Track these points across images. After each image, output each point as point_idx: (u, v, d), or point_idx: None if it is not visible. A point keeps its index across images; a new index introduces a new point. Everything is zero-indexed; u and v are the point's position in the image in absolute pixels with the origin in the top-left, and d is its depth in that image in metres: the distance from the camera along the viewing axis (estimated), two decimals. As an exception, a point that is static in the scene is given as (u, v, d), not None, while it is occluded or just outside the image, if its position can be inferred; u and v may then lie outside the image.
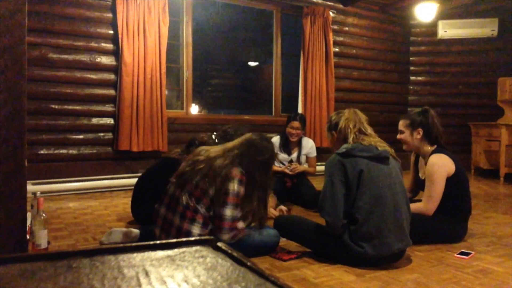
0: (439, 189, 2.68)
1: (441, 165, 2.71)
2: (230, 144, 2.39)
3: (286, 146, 4.08)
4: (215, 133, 3.44)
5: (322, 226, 2.41)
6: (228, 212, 2.19)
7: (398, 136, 2.95)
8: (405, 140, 2.91)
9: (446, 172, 2.70)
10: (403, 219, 2.26)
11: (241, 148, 2.32)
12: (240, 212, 2.27)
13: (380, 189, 2.22)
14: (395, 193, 2.26)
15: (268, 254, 2.42)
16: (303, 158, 4.11)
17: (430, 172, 2.73)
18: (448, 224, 2.70)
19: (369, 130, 2.44)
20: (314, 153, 4.16)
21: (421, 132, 2.84)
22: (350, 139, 2.35)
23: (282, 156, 4.06)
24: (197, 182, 2.21)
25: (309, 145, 4.15)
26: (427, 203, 2.70)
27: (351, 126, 2.41)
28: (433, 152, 2.80)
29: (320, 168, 5.87)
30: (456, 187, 2.73)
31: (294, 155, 4.09)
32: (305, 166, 4.08)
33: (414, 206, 2.61)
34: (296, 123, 3.99)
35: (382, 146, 2.35)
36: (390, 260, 2.26)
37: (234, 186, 2.19)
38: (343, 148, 2.32)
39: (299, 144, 4.11)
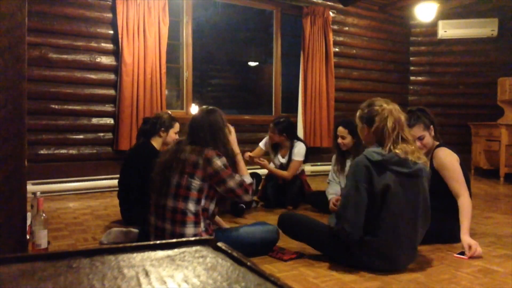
0: (459, 173, 2.67)
1: (450, 154, 2.73)
2: (189, 133, 2.38)
3: (275, 148, 4.05)
4: (167, 111, 3.65)
5: (322, 225, 2.41)
6: (232, 183, 2.25)
7: (419, 144, 2.73)
8: (427, 143, 2.80)
9: (456, 160, 2.72)
10: (418, 237, 2.20)
11: (204, 134, 2.31)
12: (237, 175, 2.32)
13: (402, 209, 2.11)
14: (417, 211, 2.15)
15: (269, 254, 2.42)
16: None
17: (443, 163, 2.69)
18: (447, 223, 2.70)
19: (408, 134, 2.22)
20: (297, 157, 3.89)
21: (433, 129, 2.85)
22: (387, 147, 2.12)
23: (274, 159, 4.05)
24: (177, 183, 2.21)
25: (301, 150, 3.93)
26: (462, 192, 2.62)
27: (389, 128, 2.14)
28: (438, 146, 2.81)
29: (319, 168, 5.92)
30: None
31: (284, 161, 3.96)
32: (276, 169, 3.95)
33: (465, 213, 2.55)
34: (270, 128, 3.95)
35: (417, 157, 2.14)
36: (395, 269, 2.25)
37: (218, 163, 2.22)
38: (376, 154, 2.11)
39: (291, 147, 3.94)
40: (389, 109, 2.18)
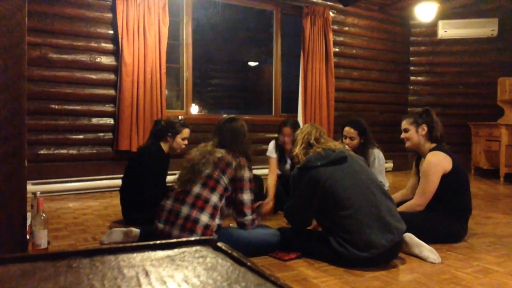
0: (432, 185, 2.72)
1: (436, 162, 2.74)
2: (217, 138, 2.55)
3: (281, 154, 3.71)
4: (180, 116, 3.61)
5: (315, 233, 2.54)
6: (246, 196, 2.38)
7: (402, 135, 2.98)
8: (410, 137, 2.93)
9: (442, 169, 2.73)
10: (382, 211, 2.24)
11: (228, 138, 2.51)
12: (253, 196, 2.44)
13: (347, 191, 2.26)
14: (365, 189, 2.28)
15: (269, 254, 2.42)
16: None
17: (425, 169, 2.77)
18: (447, 223, 2.70)
19: (322, 139, 2.53)
20: None
21: (425, 128, 2.89)
22: (300, 155, 2.50)
23: (282, 168, 3.73)
24: (209, 174, 2.33)
25: None
26: (419, 198, 2.76)
27: (299, 143, 2.55)
28: (432, 150, 2.82)
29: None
30: (454, 184, 2.74)
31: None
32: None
33: (406, 204, 2.78)
34: (287, 129, 3.58)
35: (334, 146, 2.45)
36: (386, 257, 2.25)
37: (246, 173, 2.39)
38: (302, 162, 2.44)
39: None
40: (305, 127, 2.64)
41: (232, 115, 2.69)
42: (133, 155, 3.50)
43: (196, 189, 2.30)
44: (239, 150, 2.45)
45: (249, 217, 2.40)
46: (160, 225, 2.33)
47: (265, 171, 4.00)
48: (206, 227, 2.24)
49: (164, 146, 3.25)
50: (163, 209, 2.37)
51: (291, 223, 2.58)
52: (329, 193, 2.27)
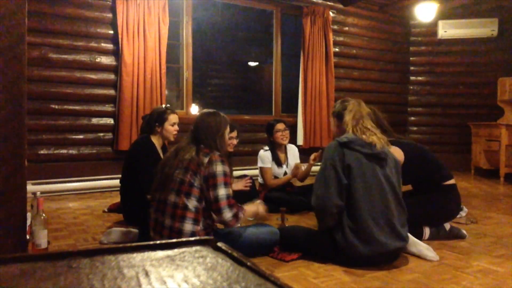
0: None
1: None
2: (190, 134, 2.40)
3: (277, 159, 3.80)
4: (163, 105, 3.54)
5: (315, 231, 2.47)
6: (221, 191, 2.22)
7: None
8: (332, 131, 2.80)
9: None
10: (394, 218, 2.25)
11: (201, 132, 2.34)
12: (231, 190, 2.30)
13: (369, 188, 2.24)
14: (384, 192, 2.26)
15: (270, 255, 2.42)
16: (292, 166, 3.90)
17: None
18: (434, 201, 2.78)
19: (369, 125, 2.43)
20: (297, 158, 3.95)
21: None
22: (356, 131, 2.38)
23: (277, 171, 3.81)
24: (181, 178, 2.22)
25: (296, 153, 3.95)
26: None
27: (352, 118, 2.42)
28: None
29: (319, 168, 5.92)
30: (416, 169, 2.81)
31: (287, 168, 3.86)
32: (284, 178, 3.81)
33: None
34: (281, 125, 3.77)
35: (381, 144, 2.35)
36: (387, 259, 2.27)
37: (219, 167, 2.23)
38: (345, 137, 2.34)
39: (285, 152, 3.89)
40: (353, 103, 2.48)
41: (211, 110, 2.50)
42: (127, 153, 3.48)
43: (172, 198, 2.21)
44: (210, 145, 2.30)
45: (228, 214, 2.23)
46: (151, 233, 2.33)
47: (255, 172, 4.01)
48: (192, 235, 2.18)
49: (155, 139, 3.15)
50: (150, 218, 2.34)
51: (315, 203, 2.33)
52: (355, 182, 2.24)
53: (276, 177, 3.80)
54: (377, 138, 2.36)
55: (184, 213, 2.19)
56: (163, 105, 3.49)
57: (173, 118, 3.16)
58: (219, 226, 2.48)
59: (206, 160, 2.23)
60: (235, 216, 2.26)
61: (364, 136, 2.35)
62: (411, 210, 2.46)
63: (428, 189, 2.85)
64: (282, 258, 2.36)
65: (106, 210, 3.60)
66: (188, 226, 2.19)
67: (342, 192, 2.25)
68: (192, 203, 2.21)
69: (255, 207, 2.57)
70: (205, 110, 2.50)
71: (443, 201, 2.82)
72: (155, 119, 3.13)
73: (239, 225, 2.40)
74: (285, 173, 3.84)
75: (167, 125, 3.14)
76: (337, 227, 2.27)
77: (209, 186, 2.22)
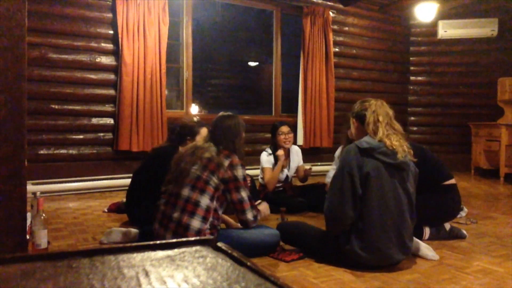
0: None
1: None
2: (209, 135, 2.53)
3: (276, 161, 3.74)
4: (195, 118, 3.57)
5: (324, 231, 2.42)
6: (244, 194, 2.34)
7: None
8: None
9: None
10: (404, 231, 2.20)
11: (220, 135, 2.43)
12: (249, 192, 2.40)
13: (385, 198, 2.16)
14: (401, 204, 2.19)
15: (270, 255, 2.42)
16: (294, 170, 3.91)
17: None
18: (434, 201, 2.78)
19: (397, 125, 2.32)
20: (301, 160, 3.97)
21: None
22: (380, 134, 2.22)
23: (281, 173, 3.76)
24: (198, 175, 2.27)
25: (299, 154, 3.96)
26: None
27: (380, 119, 2.26)
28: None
29: (319, 168, 5.91)
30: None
31: (290, 172, 3.85)
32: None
33: None
34: (285, 127, 3.75)
35: (404, 151, 2.22)
36: (388, 266, 2.26)
37: (240, 172, 2.34)
38: (366, 142, 2.20)
39: (288, 155, 3.86)
40: (376, 103, 2.35)
41: (230, 113, 2.60)
42: (149, 154, 3.52)
43: (186, 192, 2.25)
44: (229, 148, 2.38)
45: (250, 215, 2.37)
46: (156, 225, 2.34)
47: (256, 172, 4.02)
48: (198, 232, 2.20)
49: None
50: (158, 210, 2.36)
51: (328, 212, 2.24)
52: (371, 192, 2.14)
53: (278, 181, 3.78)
54: (399, 145, 2.22)
55: (195, 209, 2.23)
56: (195, 118, 3.56)
57: (204, 132, 3.24)
58: (222, 226, 2.50)
59: (226, 162, 2.31)
60: (255, 217, 2.41)
61: (387, 141, 2.20)
62: None
63: (428, 189, 2.84)
64: (282, 258, 2.36)
65: (106, 210, 3.60)
66: (196, 223, 2.21)
67: (357, 203, 2.15)
68: (204, 201, 2.24)
69: (261, 207, 2.65)
70: (224, 113, 2.59)
71: (443, 201, 2.82)
72: (187, 132, 3.22)
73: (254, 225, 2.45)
74: (287, 177, 3.84)
75: (199, 138, 3.21)
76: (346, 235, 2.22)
77: (231, 189, 2.32)
